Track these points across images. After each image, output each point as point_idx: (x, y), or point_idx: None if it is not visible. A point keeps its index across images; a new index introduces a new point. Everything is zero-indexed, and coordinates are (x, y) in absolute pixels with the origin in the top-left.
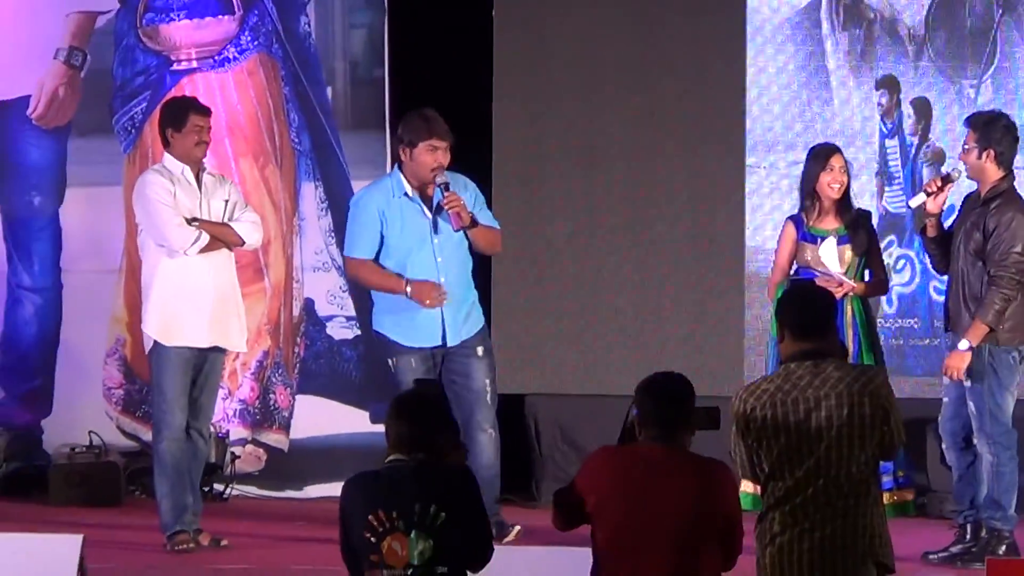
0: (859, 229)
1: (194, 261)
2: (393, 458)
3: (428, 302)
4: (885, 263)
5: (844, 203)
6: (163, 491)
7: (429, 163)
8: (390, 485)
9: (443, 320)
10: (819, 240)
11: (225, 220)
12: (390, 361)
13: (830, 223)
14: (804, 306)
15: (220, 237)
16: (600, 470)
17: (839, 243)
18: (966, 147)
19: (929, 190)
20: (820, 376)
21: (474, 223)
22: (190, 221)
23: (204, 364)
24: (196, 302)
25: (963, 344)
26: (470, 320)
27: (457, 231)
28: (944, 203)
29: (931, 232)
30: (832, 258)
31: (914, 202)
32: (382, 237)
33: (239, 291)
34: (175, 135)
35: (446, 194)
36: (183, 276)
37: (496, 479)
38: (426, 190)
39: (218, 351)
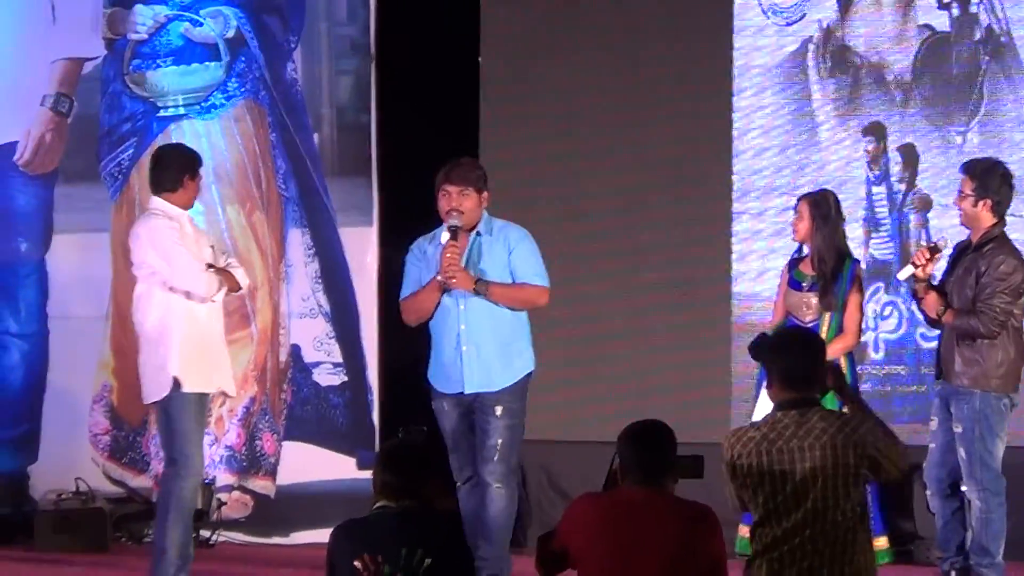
0: (829, 280)
1: (199, 307)
2: (380, 505)
3: (448, 274)
4: (868, 312)
5: (812, 250)
6: (175, 536)
7: (443, 207)
8: (376, 531)
9: (462, 367)
10: (799, 285)
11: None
12: (433, 404)
13: (809, 269)
14: (790, 355)
15: (227, 283)
16: (583, 516)
17: (808, 289)
18: (962, 193)
19: (917, 262)
20: (805, 426)
21: (480, 287)
22: (206, 267)
23: (201, 408)
24: (206, 347)
25: (940, 310)
26: (496, 372)
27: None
28: (931, 272)
29: (923, 295)
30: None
31: (902, 275)
32: (420, 280)
33: None
34: (190, 182)
35: (442, 244)
36: (192, 322)
37: (503, 532)
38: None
39: (208, 396)
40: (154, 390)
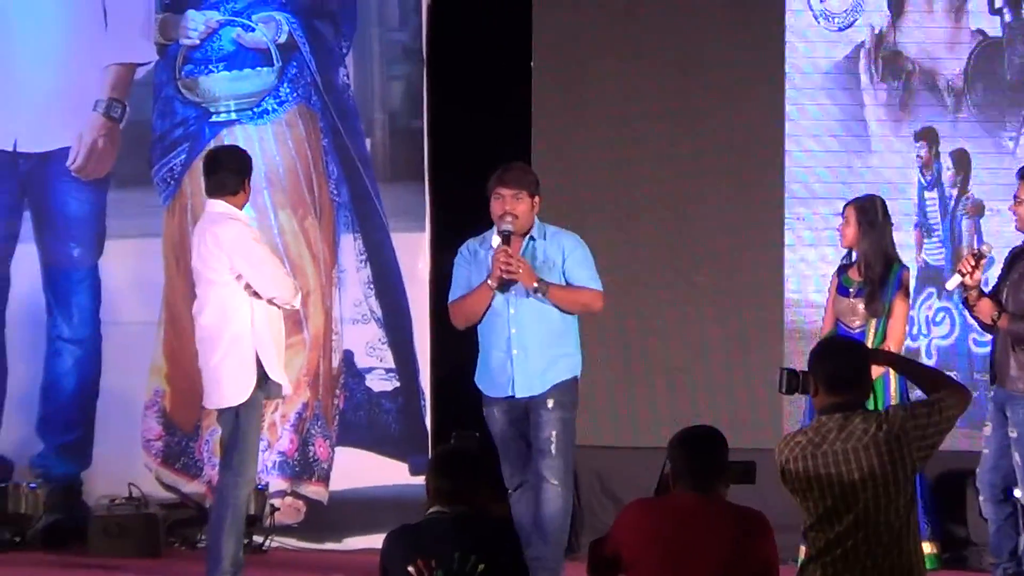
0: (876, 286)
1: (273, 311)
2: (434, 510)
3: (501, 268)
4: (920, 317)
5: (860, 256)
6: (231, 544)
7: (497, 211)
8: (430, 536)
9: (512, 371)
10: (847, 291)
11: None
12: (484, 413)
13: (856, 275)
14: (834, 360)
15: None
16: (635, 521)
17: (856, 295)
18: (1018, 198)
19: (963, 270)
20: (847, 429)
21: (540, 286)
22: None
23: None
24: (282, 351)
25: (995, 315)
26: (547, 374)
27: (497, 284)
28: (980, 279)
29: (975, 301)
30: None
31: (951, 284)
32: (469, 283)
33: None
34: (248, 184)
35: (495, 247)
36: (274, 327)
37: (559, 533)
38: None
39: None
40: (236, 394)
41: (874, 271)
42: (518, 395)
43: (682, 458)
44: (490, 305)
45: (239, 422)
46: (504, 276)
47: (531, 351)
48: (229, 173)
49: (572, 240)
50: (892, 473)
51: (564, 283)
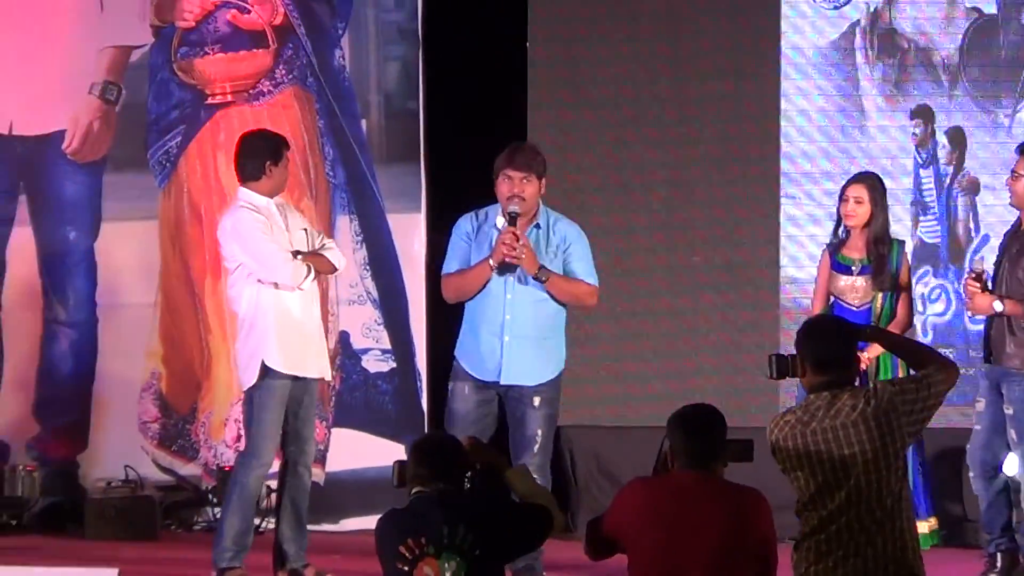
0: (884, 262)
1: (290, 295)
2: (417, 490)
3: (505, 251)
4: (916, 295)
5: (871, 233)
6: (233, 524)
7: (505, 192)
8: (417, 515)
9: (501, 356)
10: (848, 269)
11: (313, 248)
12: (449, 385)
13: (856, 252)
14: (821, 339)
15: (318, 268)
16: (633, 501)
17: (860, 273)
18: (1015, 173)
19: (973, 291)
20: (835, 406)
21: (541, 273)
22: (294, 255)
23: (304, 396)
24: (299, 334)
25: (997, 305)
26: (536, 364)
27: (498, 265)
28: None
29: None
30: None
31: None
32: (468, 259)
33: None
34: (273, 168)
35: (502, 228)
36: (283, 311)
37: None
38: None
39: (313, 381)
40: (246, 378)
41: (885, 247)
42: (504, 381)
43: (680, 437)
44: (486, 285)
45: (251, 406)
46: (507, 259)
47: (524, 340)
48: (247, 159)
49: (575, 230)
50: (882, 448)
51: (562, 270)
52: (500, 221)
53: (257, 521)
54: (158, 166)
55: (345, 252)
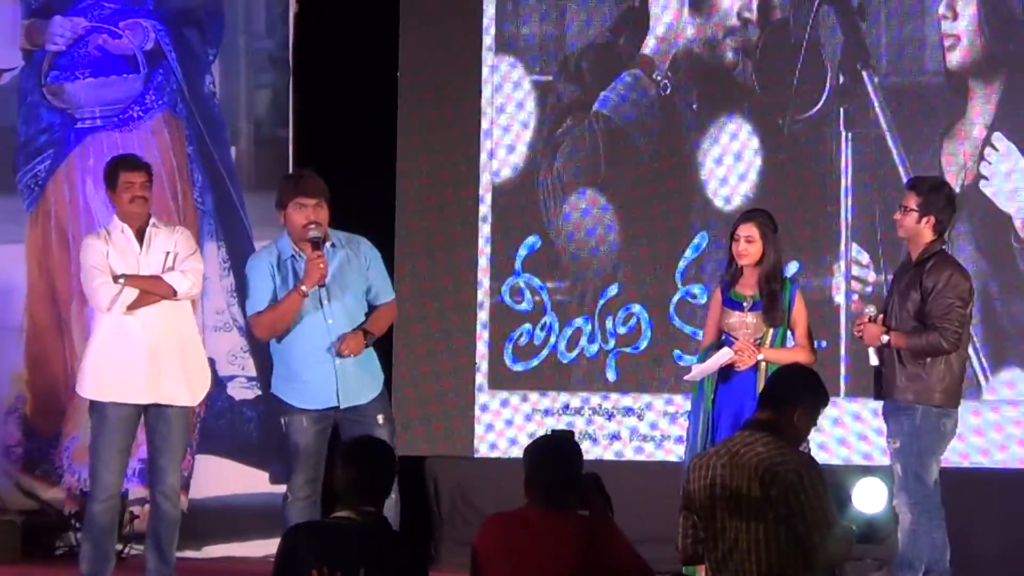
0: (775, 298)
1: (126, 318)
2: (342, 515)
3: (318, 276)
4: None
5: (763, 271)
6: (86, 552)
7: (299, 220)
8: (337, 543)
9: (336, 381)
10: (739, 305)
11: (161, 272)
12: (282, 420)
13: (748, 289)
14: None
15: (149, 290)
16: (487, 536)
17: (751, 309)
18: (904, 207)
19: (865, 335)
20: (746, 444)
21: (368, 339)
22: (116, 278)
23: (159, 424)
24: (129, 358)
25: (884, 336)
26: (367, 384)
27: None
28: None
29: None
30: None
31: (874, 360)
32: (275, 296)
33: (194, 344)
34: (111, 195)
35: (308, 254)
36: (117, 333)
37: None
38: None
39: (166, 408)
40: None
41: (776, 283)
42: (343, 405)
43: (531, 466)
44: (301, 316)
45: (91, 433)
46: (305, 292)
47: (352, 360)
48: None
49: (369, 246)
50: (757, 505)
51: (367, 287)
52: (295, 249)
53: (119, 547)
54: (26, 190)
55: (212, 279)
